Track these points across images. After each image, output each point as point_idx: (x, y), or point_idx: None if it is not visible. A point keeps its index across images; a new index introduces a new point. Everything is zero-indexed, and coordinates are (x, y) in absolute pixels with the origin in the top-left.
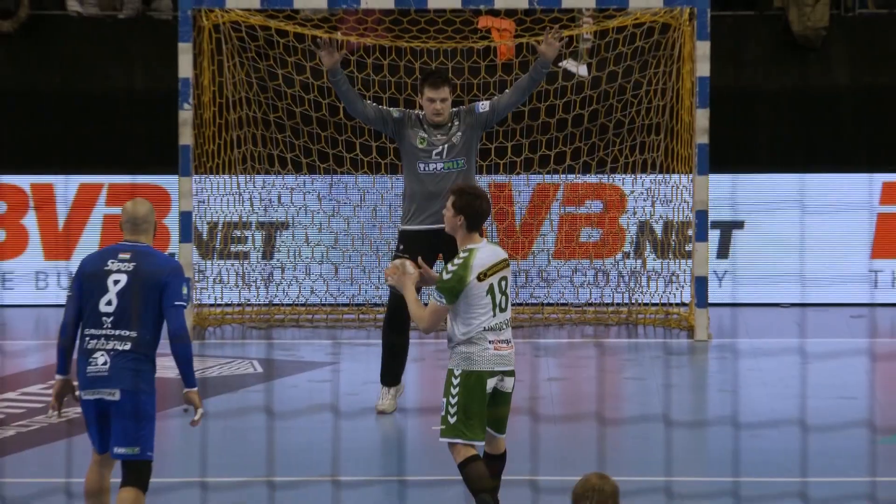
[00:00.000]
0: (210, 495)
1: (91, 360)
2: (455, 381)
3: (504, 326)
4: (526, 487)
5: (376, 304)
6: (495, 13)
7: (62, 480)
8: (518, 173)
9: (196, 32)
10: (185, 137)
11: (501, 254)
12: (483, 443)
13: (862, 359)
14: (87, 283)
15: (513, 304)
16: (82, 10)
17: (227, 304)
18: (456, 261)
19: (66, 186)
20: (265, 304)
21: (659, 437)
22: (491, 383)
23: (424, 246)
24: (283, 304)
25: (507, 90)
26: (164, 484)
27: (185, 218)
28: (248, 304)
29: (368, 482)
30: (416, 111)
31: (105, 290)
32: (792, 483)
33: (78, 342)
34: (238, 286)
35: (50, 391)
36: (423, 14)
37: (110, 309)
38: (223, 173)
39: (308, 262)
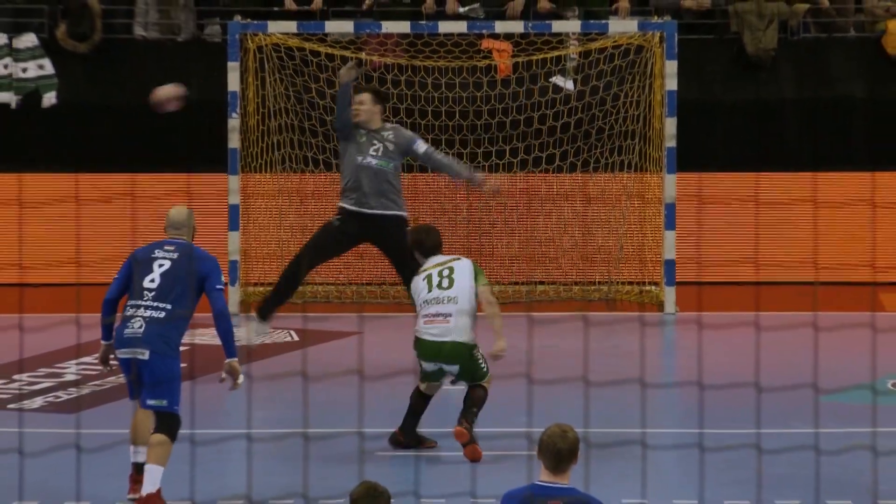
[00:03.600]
0: (255, 446)
1: (129, 323)
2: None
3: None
4: (523, 438)
5: (395, 284)
6: (496, 36)
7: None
8: (515, 172)
9: (242, 53)
10: (233, 142)
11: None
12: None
13: (808, 330)
14: (137, 267)
15: (512, 283)
16: (146, 34)
17: (268, 283)
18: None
19: (132, 183)
20: (302, 283)
21: (634, 396)
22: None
23: (354, 228)
24: (315, 283)
25: (440, 157)
26: (217, 435)
27: (234, 210)
28: None
29: (387, 434)
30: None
31: (150, 271)
32: (746, 434)
33: (121, 313)
34: (278, 267)
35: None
36: (435, 37)
37: (153, 285)
38: (265, 172)
39: None
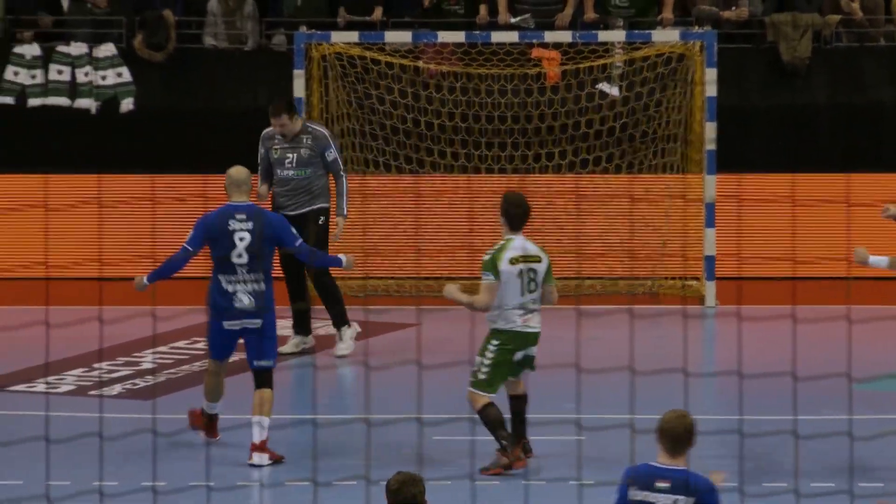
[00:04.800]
0: (319, 431)
1: (235, 298)
2: (494, 344)
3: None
4: (571, 424)
5: (451, 278)
6: (545, 45)
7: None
8: (563, 173)
9: (307, 61)
10: None
11: (533, 249)
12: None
13: (842, 322)
14: (213, 239)
15: (561, 278)
16: (216, 43)
17: (334, 278)
18: (496, 246)
19: (204, 184)
20: (363, 277)
21: (677, 384)
22: (519, 354)
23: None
24: (377, 277)
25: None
26: (285, 420)
27: None
28: (351, 278)
29: (447, 420)
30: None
31: (234, 246)
32: (783, 420)
33: (213, 285)
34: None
35: (193, 347)
36: (488, 46)
37: (242, 260)
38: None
39: (397, 243)
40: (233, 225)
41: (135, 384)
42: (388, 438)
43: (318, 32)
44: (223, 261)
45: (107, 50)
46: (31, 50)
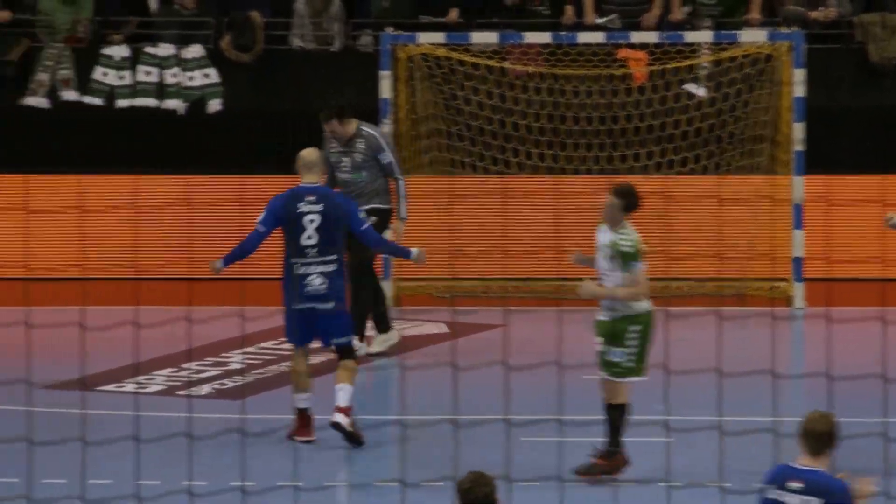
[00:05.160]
0: (410, 431)
1: (307, 281)
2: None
3: None
4: (660, 426)
5: (537, 279)
6: (632, 45)
7: (289, 417)
8: (650, 174)
9: (393, 62)
10: None
11: None
12: None
13: None
14: (284, 223)
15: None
16: (303, 44)
17: (420, 279)
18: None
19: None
20: (450, 279)
21: (765, 385)
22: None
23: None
24: (463, 278)
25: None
26: (372, 420)
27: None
28: (438, 279)
29: (534, 421)
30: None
31: (304, 229)
32: (873, 423)
33: (286, 268)
34: (429, 263)
35: (281, 347)
36: (574, 46)
37: (312, 242)
38: (415, 174)
39: (483, 244)
40: (302, 207)
41: (223, 384)
42: (476, 439)
43: (405, 34)
44: (294, 243)
45: (194, 51)
46: (120, 51)
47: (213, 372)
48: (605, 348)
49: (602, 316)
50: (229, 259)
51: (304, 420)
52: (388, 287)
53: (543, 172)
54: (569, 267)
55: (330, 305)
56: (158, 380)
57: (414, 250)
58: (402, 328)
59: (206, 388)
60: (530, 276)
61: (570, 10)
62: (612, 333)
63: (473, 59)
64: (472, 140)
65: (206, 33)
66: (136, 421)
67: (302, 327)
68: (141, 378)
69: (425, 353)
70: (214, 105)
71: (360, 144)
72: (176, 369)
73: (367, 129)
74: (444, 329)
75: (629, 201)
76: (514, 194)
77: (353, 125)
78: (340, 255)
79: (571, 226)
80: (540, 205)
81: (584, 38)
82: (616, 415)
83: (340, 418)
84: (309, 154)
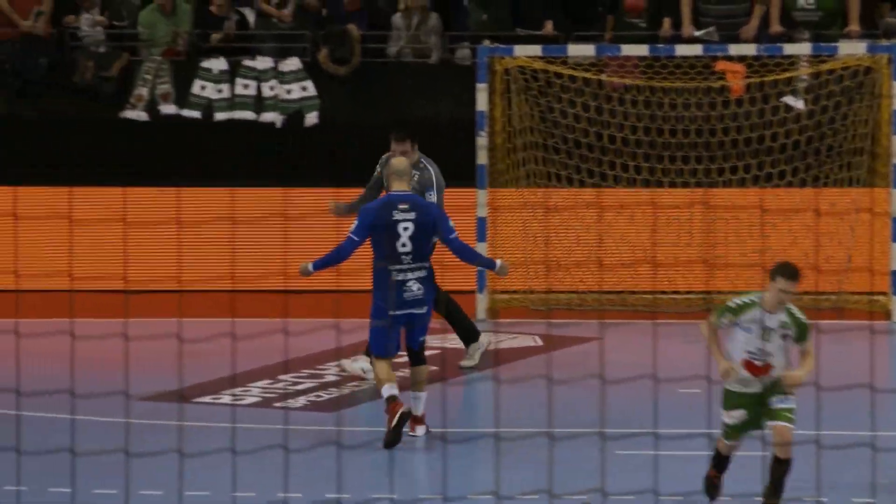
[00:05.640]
0: (504, 445)
1: (405, 287)
2: None
3: None
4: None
5: (633, 292)
6: (729, 58)
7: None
8: (747, 187)
9: (490, 75)
10: (482, 158)
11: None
12: None
13: None
14: (379, 231)
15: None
16: (400, 57)
17: (515, 291)
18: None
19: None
20: (546, 291)
21: (863, 400)
22: None
23: None
24: (559, 291)
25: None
26: (467, 434)
27: (481, 222)
28: (533, 291)
29: (630, 434)
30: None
31: (398, 236)
32: None
33: (380, 277)
34: (523, 275)
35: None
36: (672, 59)
37: (406, 249)
38: (511, 187)
39: (579, 257)
40: (396, 215)
41: (319, 396)
42: (571, 453)
43: (502, 46)
44: (389, 251)
45: (292, 64)
46: (218, 64)
47: (309, 384)
48: (776, 397)
49: (751, 388)
50: (320, 264)
51: (396, 402)
52: (483, 299)
53: (640, 185)
54: (665, 280)
55: (424, 310)
56: (254, 392)
57: (498, 261)
58: (496, 341)
59: (301, 400)
60: (626, 289)
61: (667, 22)
62: (772, 390)
63: (570, 72)
64: (569, 152)
65: (303, 46)
66: (232, 432)
67: (395, 335)
68: (237, 390)
69: (520, 365)
70: (311, 118)
71: (415, 176)
72: (272, 381)
73: (426, 162)
74: (538, 342)
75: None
76: (610, 207)
77: (416, 154)
78: (429, 260)
79: (667, 239)
80: (635, 217)
81: (682, 50)
82: (784, 470)
83: (420, 430)
84: (399, 162)
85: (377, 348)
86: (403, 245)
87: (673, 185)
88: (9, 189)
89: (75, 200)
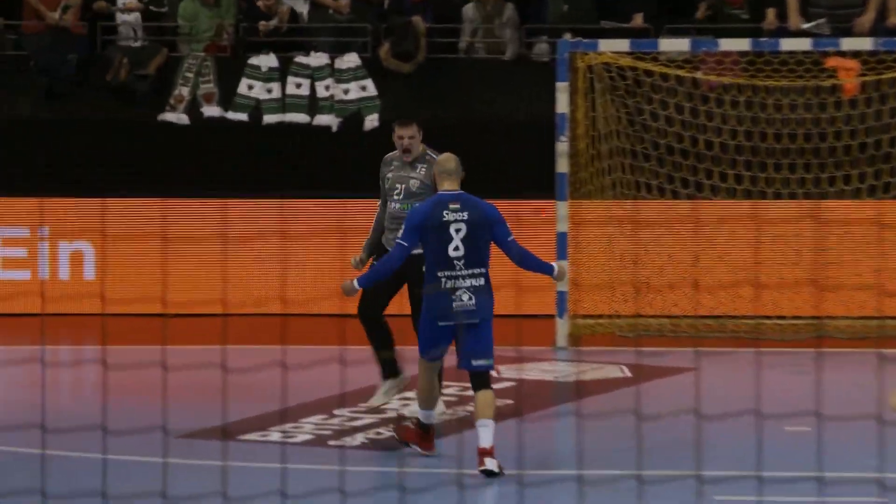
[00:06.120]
0: (588, 489)
1: (455, 296)
2: None
3: None
4: (872, 484)
5: (733, 317)
6: (842, 53)
7: (454, 471)
8: (863, 199)
9: (571, 72)
10: (562, 166)
11: None
12: None
13: None
14: (429, 233)
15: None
16: (471, 53)
17: (599, 316)
18: None
19: None
20: (634, 316)
21: None
22: None
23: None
24: (649, 315)
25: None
26: (546, 476)
27: (561, 238)
28: (619, 316)
29: (730, 477)
30: (393, 153)
31: (450, 239)
32: None
33: (430, 279)
34: (609, 298)
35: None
36: (776, 55)
37: (459, 253)
38: (595, 198)
39: (672, 277)
40: (448, 215)
41: (379, 433)
42: (664, 497)
43: (584, 40)
44: (439, 255)
45: (350, 61)
46: (268, 61)
47: (368, 419)
48: None
49: None
50: (367, 280)
51: (428, 434)
52: (563, 324)
53: (740, 196)
54: (769, 303)
55: (476, 320)
56: (307, 428)
57: (555, 265)
58: (579, 371)
59: (359, 438)
60: (725, 314)
61: (771, 13)
62: None
63: (662, 69)
64: (660, 160)
65: (362, 41)
66: (282, 474)
67: (442, 343)
68: (288, 426)
69: (605, 399)
70: (371, 121)
71: (422, 170)
72: (326, 416)
73: (433, 154)
74: (626, 372)
75: None
76: (707, 221)
77: (422, 146)
78: (487, 266)
79: (771, 257)
80: (736, 233)
81: (788, 45)
82: None
83: (490, 464)
84: (447, 160)
85: (422, 349)
86: (456, 248)
87: (778, 196)
88: (33, 201)
89: (107, 214)
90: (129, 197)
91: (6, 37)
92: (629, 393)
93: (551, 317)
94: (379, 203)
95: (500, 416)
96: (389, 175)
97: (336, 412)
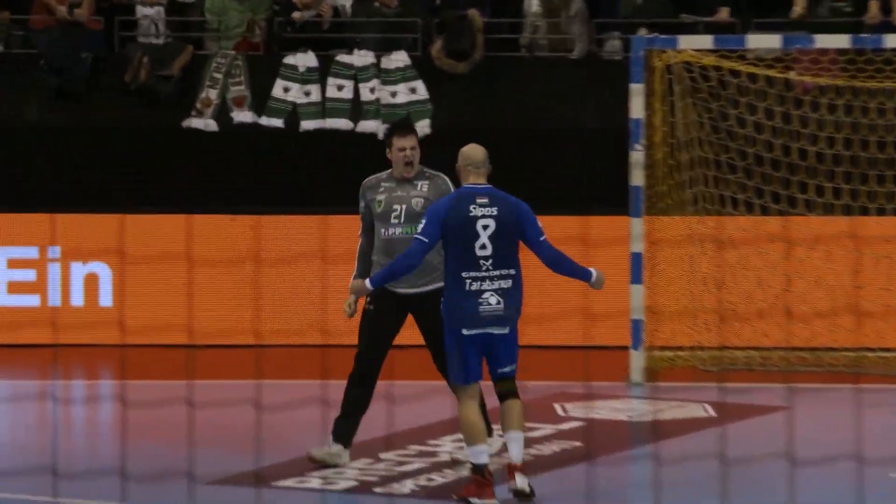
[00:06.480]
0: None
1: (481, 300)
2: None
3: None
4: None
5: (831, 349)
6: None
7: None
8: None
9: (647, 73)
10: (637, 178)
11: None
12: None
13: None
14: (453, 229)
15: None
16: (534, 50)
17: (678, 348)
18: None
19: None
20: (719, 348)
21: None
22: None
23: (392, 306)
24: (736, 347)
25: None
26: None
27: (636, 259)
28: (701, 348)
29: None
30: (376, 175)
31: (477, 236)
32: None
33: (452, 286)
34: (690, 327)
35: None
36: (880, 53)
37: (486, 252)
38: (674, 214)
39: (761, 304)
40: (475, 211)
41: (431, 480)
42: None
43: (662, 37)
44: (464, 254)
45: (398, 59)
46: (305, 60)
47: (418, 464)
48: None
49: None
50: (381, 279)
51: (486, 479)
52: (638, 357)
53: (839, 212)
54: (872, 333)
55: (506, 330)
56: (350, 473)
57: (593, 270)
58: (656, 410)
59: (408, 485)
60: (821, 345)
61: (874, 6)
62: None
63: (750, 69)
64: (748, 171)
65: (411, 37)
66: None
67: (472, 357)
68: (329, 471)
69: (686, 441)
70: (422, 127)
71: (424, 187)
72: (372, 460)
73: (432, 172)
74: (709, 411)
75: None
76: (801, 240)
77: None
78: (518, 267)
79: (875, 281)
80: (834, 254)
81: (893, 42)
82: None
83: (521, 482)
84: (474, 150)
85: (454, 376)
86: (483, 247)
87: (881, 212)
88: (43, 217)
89: (126, 231)
90: (150, 212)
91: (13, 33)
92: (713, 434)
93: (625, 348)
94: (360, 234)
95: (567, 460)
96: (380, 198)
97: (382, 455)
